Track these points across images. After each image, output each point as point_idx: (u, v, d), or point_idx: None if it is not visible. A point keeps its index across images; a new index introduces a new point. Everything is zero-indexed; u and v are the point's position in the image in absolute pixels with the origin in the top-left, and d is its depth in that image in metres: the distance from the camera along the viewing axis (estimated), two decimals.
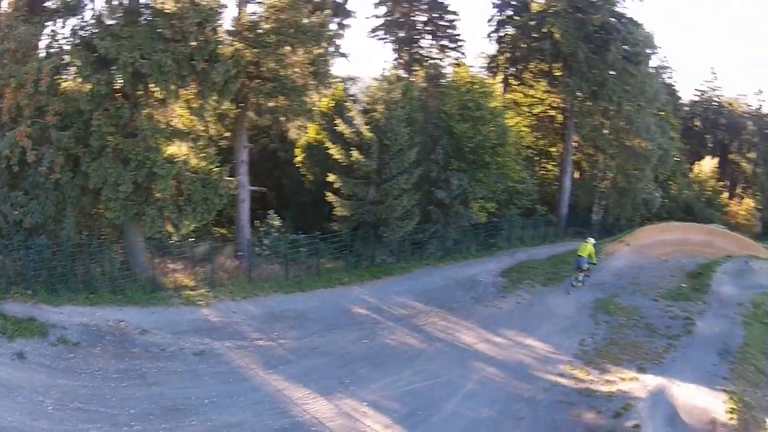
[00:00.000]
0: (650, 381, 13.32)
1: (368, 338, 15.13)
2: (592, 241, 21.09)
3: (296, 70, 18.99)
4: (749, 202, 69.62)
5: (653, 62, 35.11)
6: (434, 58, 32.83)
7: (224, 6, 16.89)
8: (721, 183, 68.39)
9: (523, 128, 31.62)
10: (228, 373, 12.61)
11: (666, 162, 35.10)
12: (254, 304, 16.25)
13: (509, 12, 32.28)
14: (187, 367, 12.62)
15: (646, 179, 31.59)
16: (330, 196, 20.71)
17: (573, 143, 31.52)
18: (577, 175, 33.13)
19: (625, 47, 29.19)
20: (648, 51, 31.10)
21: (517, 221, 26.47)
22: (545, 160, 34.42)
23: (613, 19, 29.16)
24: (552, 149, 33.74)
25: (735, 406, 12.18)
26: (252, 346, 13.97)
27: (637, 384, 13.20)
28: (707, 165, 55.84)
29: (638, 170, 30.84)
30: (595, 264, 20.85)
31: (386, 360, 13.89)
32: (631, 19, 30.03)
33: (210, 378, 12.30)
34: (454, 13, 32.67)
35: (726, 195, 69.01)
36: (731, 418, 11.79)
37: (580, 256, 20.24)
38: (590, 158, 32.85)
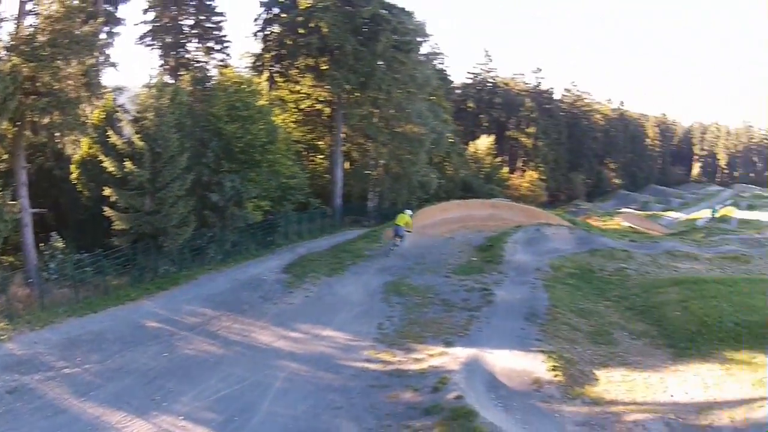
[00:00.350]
0: (460, 353, 13.78)
1: (167, 351, 14.84)
2: (408, 212, 24.22)
3: (70, 82, 18.36)
4: (533, 174, 74.91)
5: (425, 49, 37.58)
6: (200, 61, 32.66)
7: (2, 20, 16.32)
8: (499, 159, 75.89)
9: (291, 124, 32.11)
10: (45, 407, 11.92)
11: (440, 144, 37.29)
12: (52, 332, 15.35)
13: (276, 10, 32.62)
14: (5, 407, 11.77)
15: (420, 163, 33.17)
16: (108, 211, 20.04)
17: (342, 135, 32.42)
18: (348, 165, 33.99)
19: (396, 37, 30.31)
20: (419, 39, 32.79)
21: (293, 216, 26.94)
22: (315, 154, 35.07)
23: (383, 11, 30.16)
24: (320, 143, 34.47)
25: (556, 364, 12.88)
26: (60, 375, 13.27)
27: (448, 357, 13.61)
28: (483, 143, 59.82)
29: (412, 155, 32.31)
30: (410, 232, 23.61)
31: (190, 371, 13.87)
32: (402, 9, 31.46)
33: (30, 416, 11.60)
34: (221, 14, 32.87)
35: (506, 170, 76.48)
36: (555, 375, 12.50)
37: (397, 225, 23.22)
38: (360, 147, 33.76)
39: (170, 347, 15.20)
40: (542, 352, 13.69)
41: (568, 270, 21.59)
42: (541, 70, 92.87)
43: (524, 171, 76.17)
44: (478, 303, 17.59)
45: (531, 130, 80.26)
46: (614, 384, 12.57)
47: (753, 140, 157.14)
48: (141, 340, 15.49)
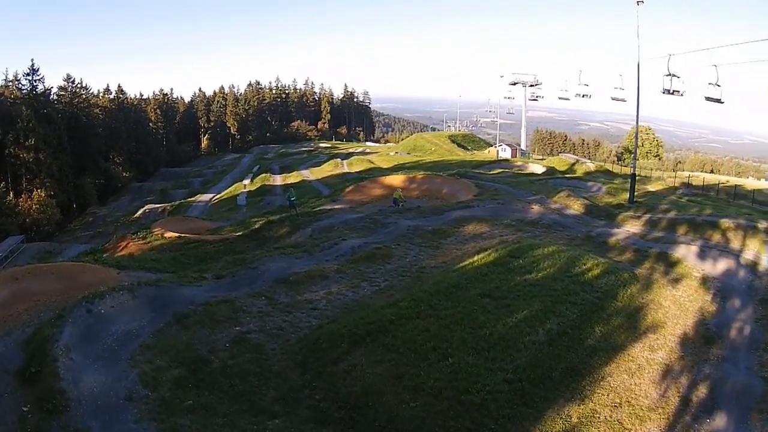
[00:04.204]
0: None
1: None
2: None
3: None
4: (40, 193, 63.61)
5: None
6: None
7: None
8: (2, 184, 60.54)
9: None
10: None
11: None
12: None
13: None
14: None
15: None
16: None
17: None
18: None
19: None
20: None
21: None
22: None
23: None
24: None
25: None
26: None
27: None
28: None
29: None
30: None
31: None
32: None
33: None
34: None
35: (12, 195, 61.49)
36: None
37: None
38: None
39: None
40: None
41: (170, 376, 13.43)
42: (37, 70, 74.32)
43: (32, 191, 63.30)
44: None
45: (30, 143, 66.68)
46: None
47: (265, 101, 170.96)
48: None
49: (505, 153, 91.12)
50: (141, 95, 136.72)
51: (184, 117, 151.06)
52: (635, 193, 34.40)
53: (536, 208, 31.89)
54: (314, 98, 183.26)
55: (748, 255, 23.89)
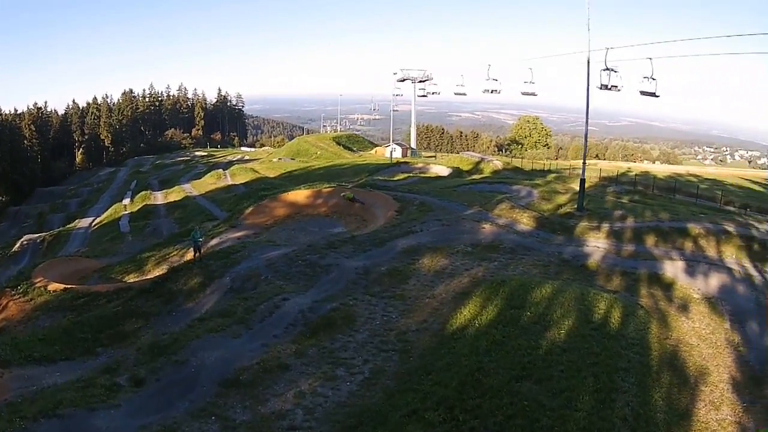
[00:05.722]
0: None
1: None
2: None
3: None
4: None
5: None
6: None
7: None
8: None
9: None
10: None
11: None
12: None
13: None
14: None
15: None
16: None
17: None
18: None
19: None
20: None
21: None
22: None
23: None
24: None
25: None
26: None
27: None
28: None
29: None
30: None
31: None
32: None
33: None
34: None
35: None
36: None
37: None
38: None
39: None
40: None
41: None
42: None
43: None
44: None
45: None
46: None
47: (138, 110, 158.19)
48: None
49: (396, 153, 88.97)
50: (15, 111, 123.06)
51: (58, 131, 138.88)
52: (582, 200, 32.44)
53: (488, 227, 28.75)
54: (188, 104, 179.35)
55: (733, 264, 22.55)
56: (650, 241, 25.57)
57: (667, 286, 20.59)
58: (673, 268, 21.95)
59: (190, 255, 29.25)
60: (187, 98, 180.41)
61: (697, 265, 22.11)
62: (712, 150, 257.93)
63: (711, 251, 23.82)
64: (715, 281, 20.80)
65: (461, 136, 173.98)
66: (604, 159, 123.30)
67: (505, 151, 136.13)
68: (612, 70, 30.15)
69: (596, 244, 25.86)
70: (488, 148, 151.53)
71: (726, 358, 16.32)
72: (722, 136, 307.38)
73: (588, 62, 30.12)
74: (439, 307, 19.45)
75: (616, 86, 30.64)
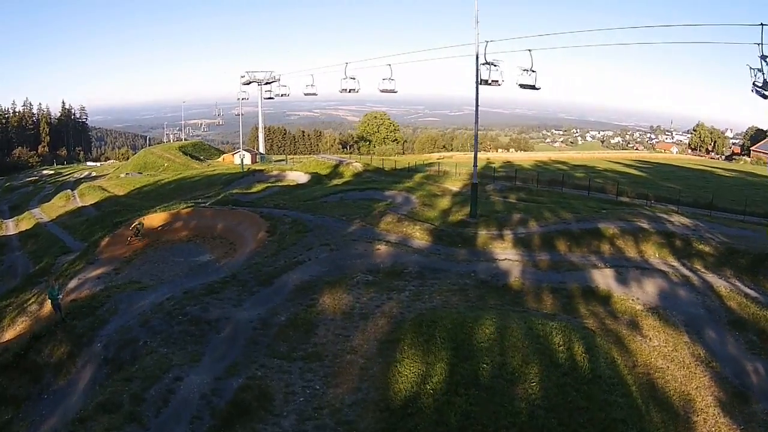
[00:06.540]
0: None
1: None
2: None
3: None
4: None
5: None
6: None
7: None
8: None
9: None
10: None
11: None
12: None
13: None
14: None
15: None
16: None
17: None
18: None
19: None
20: None
21: None
22: None
23: None
24: None
25: None
26: None
27: None
28: None
29: None
30: None
31: None
32: None
33: None
34: None
35: None
36: None
37: None
38: None
39: None
40: None
41: None
42: None
43: None
44: None
45: None
46: None
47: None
48: None
49: (246, 160, 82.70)
50: None
51: None
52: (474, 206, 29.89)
53: (382, 247, 24.78)
54: (33, 120, 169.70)
55: (662, 266, 21.04)
56: (562, 246, 23.51)
57: (605, 300, 18.34)
58: (602, 278, 19.83)
59: (48, 307, 22.34)
60: (32, 114, 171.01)
61: (626, 271, 20.26)
62: (561, 133, 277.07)
63: (632, 252, 22.30)
64: (651, 288, 19.03)
65: (304, 135, 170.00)
66: (452, 150, 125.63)
67: (351, 149, 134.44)
68: (492, 64, 27.98)
69: (506, 256, 23.15)
70: (332, 146, 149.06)
71: (701, 377, 14.87)
72: (570, 119, 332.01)
73: (477, 57, 27.72)
74: (366, 365, 15.11)
75: (497, 81, 28.58)
